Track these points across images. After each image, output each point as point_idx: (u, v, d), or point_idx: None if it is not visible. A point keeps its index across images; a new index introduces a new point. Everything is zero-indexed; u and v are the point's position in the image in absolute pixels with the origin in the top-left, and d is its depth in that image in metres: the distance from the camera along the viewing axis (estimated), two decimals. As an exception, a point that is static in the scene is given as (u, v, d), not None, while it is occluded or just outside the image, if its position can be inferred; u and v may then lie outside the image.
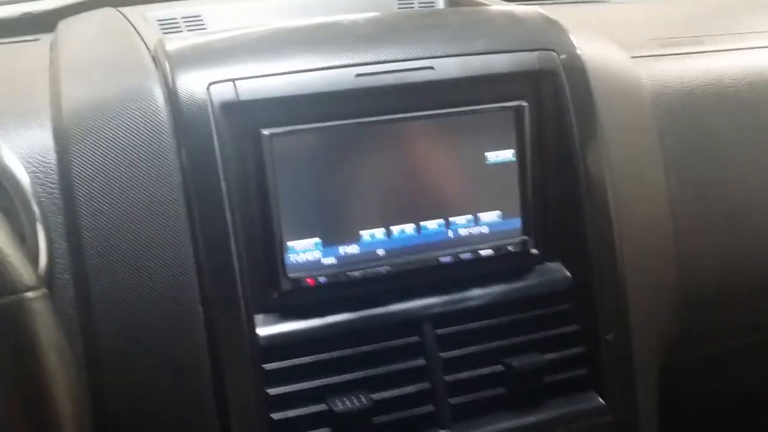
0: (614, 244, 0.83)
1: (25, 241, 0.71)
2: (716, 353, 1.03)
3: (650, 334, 0.87)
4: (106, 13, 1.01)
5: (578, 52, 0.83)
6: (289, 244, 0.76)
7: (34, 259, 0.70)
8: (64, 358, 0.48)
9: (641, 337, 0.85)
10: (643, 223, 0.86)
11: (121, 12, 0.99)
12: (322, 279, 0.77)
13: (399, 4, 1.11)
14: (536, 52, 0.82)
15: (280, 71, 0.75)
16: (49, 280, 0.71)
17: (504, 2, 1.04)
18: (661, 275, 0.89)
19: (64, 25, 1.00)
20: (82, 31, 0.95)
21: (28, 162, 0.74)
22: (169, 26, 1.00)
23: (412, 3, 1.11)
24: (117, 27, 0.93)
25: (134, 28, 0.90)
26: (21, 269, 0.47)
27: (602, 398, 0.85)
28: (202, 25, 1.02)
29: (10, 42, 1.05)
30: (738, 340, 1.02)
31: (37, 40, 1.04)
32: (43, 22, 1.10)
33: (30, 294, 0.47)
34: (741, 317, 0.99)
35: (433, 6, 1.11)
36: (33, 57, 0.93)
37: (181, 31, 1.01)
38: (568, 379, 0.84)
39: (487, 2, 1.03)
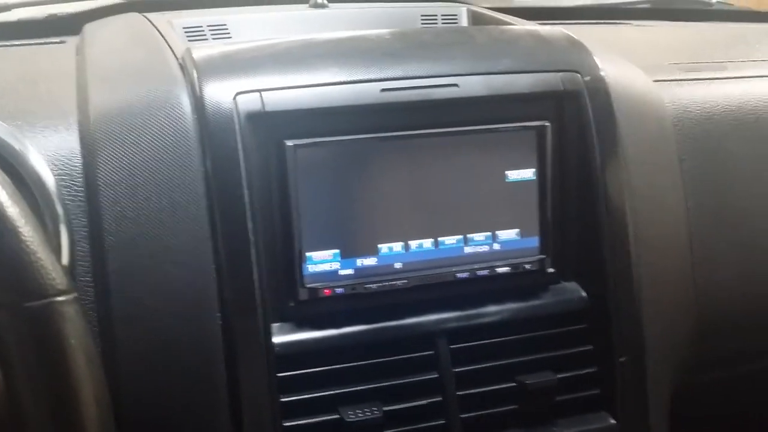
0: (631, 266, 0.83)
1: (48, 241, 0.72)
2: (731, 377, 1.02)
3: (664, 357, 0.87)
4: (133, 18, 1.02)
5: (602, 74, 0.84)
6: (308, 254, 0.77)
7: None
8: (92, 362, 0.48)
9: (655, 359, 0.85)
10: (661, 246, 0.87)
11: (147, 18, 1.00)
12: (339, 290, 0.78)
13: (422, 20, 1.11)
14: (560, 73, 0.82)
15: (305, 83, 0.76)
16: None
17: (527, 21, 1.04)
18: (677, 298, 0.89)
19: (90, 29, 1.01)
20: (109, 36, 0.96)
21: (55, 164, 0.75)
22: (194, 34, 1.01)
23: (436, 20, 1.11)
24: (144, 33, 0.93)
25: (161, 34, 0.91)
26: (53, 273, 0.47)
27: (614, 419, 0.85)
28: (228, 34, 1.03)
29: (36, 44, 1.06)
30: (753, 364, 1.02)
31: (62, 42, 1.05)
32: (68, 25, 1.11)
33: (61, 298, 0.48)
34: (757, 342, 0.99)
35: (456, 24, 1.12)
36: (59, 60, 0.94)
37: (207, 40, 1.01)
38: (581, 399, 0.84)
39: (511, 21, 1.03)
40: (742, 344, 0.98)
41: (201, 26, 1.02)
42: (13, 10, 1.20)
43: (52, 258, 0.48)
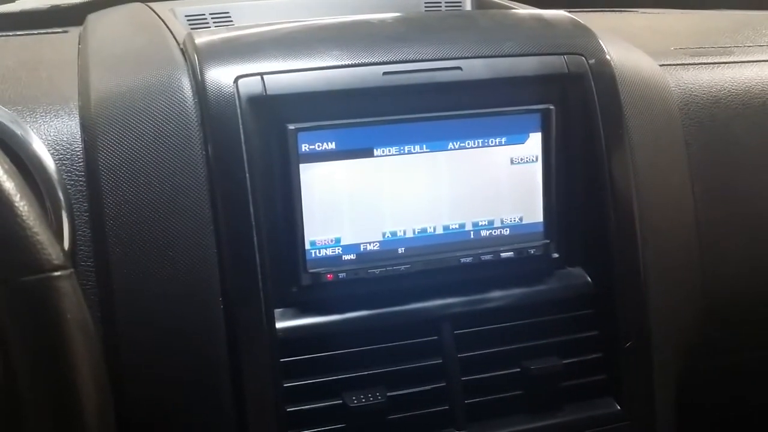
0: (637, 251, 0.83)
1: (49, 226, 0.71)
2: (737, 363, 1.02)
3: (670, 342, 0.86)
4: (135, 7, 1.02)
5: (607, 57, 0.83)
6: (311, 239, 0.76)
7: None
8: (89, 339, 0.48)
9: (661, 345, 0.85)
10: (667, 231, 0.86)
11: (150, 7, 1.00)
12: (341, 275, 0.77)
13: (426, 5, 1.11)
14: (565, 56, 0.81)
15: (307, 67, 0.75)
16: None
17: (531, 8, 1.04)
18: (683, 283, 0.88)
19: (93, 19, 1.01)
20: (111, 24, 0.96)
21: (55, 149, 0.75)
22: (197, 22, 1.01)
23: (440, 5, 1.11)
24: (146, 21, 0.93)
25: (163, 22, 0.91)
26: (49, 248, 0.47)
27: (619, 405, 0.84)
28: (230, 21, 1.03)
29: (39, 33, 1.06)
30: (760, 350, 1.01)
31: (65, 32, 1.06)
32: (72, 16, 1.11)
33: (57, 273, 0.47)
34: (764, 327, 0.98)
35: (460, 8, 1.11)
36: (62, 48, 0.94)
37: (209, 27, 1.01)
38: (586, 384, 0.84)
39: (514, 5, 1.03)
40: (748, 330, 0.97)
41: (203, 14, 1.02)
42: (17, 1, 1.20)
43: (48, 233, 0.47)
